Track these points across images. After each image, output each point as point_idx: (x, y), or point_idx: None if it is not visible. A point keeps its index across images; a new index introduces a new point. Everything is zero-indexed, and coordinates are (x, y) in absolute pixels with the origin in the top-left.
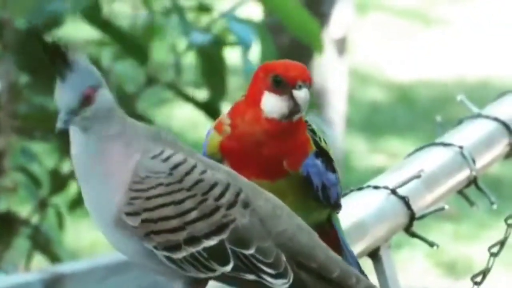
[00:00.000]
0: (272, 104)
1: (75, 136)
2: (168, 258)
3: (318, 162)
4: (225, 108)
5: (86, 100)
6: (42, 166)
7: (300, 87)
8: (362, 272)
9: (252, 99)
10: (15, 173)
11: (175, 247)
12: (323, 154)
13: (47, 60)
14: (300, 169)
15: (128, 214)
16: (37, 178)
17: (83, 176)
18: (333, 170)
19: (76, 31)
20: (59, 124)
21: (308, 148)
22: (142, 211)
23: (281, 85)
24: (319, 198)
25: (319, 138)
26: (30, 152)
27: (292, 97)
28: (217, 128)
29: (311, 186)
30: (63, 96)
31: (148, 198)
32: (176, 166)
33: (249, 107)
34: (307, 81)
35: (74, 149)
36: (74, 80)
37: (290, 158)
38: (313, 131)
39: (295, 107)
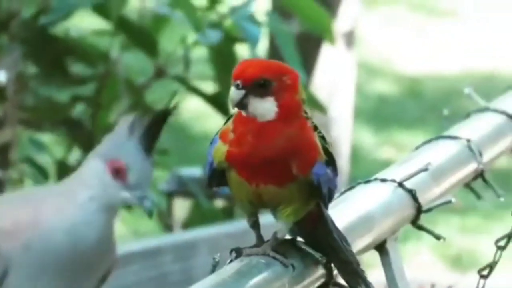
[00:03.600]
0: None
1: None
2: None
3: (329, 171)
4: None
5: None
6: (50, 157)
7: (233, 86)
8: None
9: None
10: (22, 164)
11: None
12: (331, 160)
13: (152, 128)
14: (310, 176)
15: None
16: (45, 169)
17: None
18: (337, 173)
19: (84, 21)
20: (151, 207)
21: (316, 154)
22: None
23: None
24: (324, 202)
25: (329, 144)
26: (38, 142)
27: None
28: (222, 137)
29: (319, 192)
30: (150, 171)
31: None
32: None
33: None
34: (239, 79)
35: None
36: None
37: (297, 162)
38: (323, 138)
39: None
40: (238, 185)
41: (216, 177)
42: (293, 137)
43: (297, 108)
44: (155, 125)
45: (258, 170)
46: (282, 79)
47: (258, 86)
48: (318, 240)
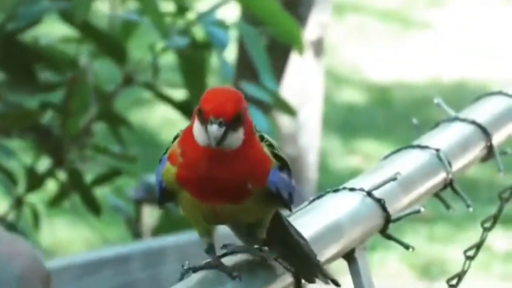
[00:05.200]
0: (196, 133)
1: None
2: None
3: (283, 175)
4: None
5: None
6: (18, 163)
7: (211, 123)
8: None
9: (191, 124)
10: None
11: None
12: (284, 165)
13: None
14: (267, 186)
15: None
16: (13, 175)
17: None
18: (291, 175)
19: (53, 29)
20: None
21: (268, 164)
22: None
23: (201, 116)
24: (284, 205)
25: (277, 149)
26: (7, 149)
27: (207, 131)
28: (170, 158)
29: (279, 198)
30: None
31: None
32: None
33: (191, 133)
34: (221, 116)
35: None
36: None
37: (252, 179)
38: (271, 146)
39: (209, 141)
40: (189, 204)
41: (167, 196)
42: (247, 156)
43: (252, 129)
44: None
45: (211, 192)
46: (245, 107)
47: (236, 120)
48: (276, 239)
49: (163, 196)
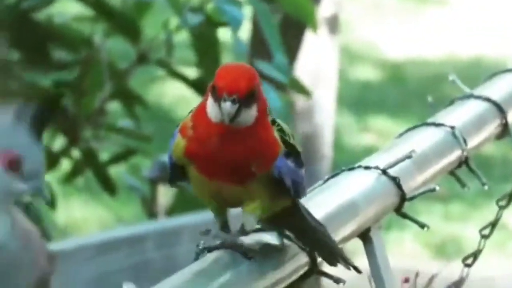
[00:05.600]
0: (209, 110)
1: None
2: None
3: (289, 162)
4: None
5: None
6: None
7: (225, 100)
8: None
9: (205, 100)
10: None
11: None
12: (293, 151)
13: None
14: (271, 170)
15: None
16: None
17: None
18: (301, 165)
19: (67, 7)
20: (48, 196)
21: (276, 149)
22: None
23: (215, 93)
24: (290, 195)
25: (288, 136)
26: None
27: (220, 107)
28: (181, 131)
29: (283, 185)
30: (42, 159)
31: None
32: None
33: (204, 109)
34: (235, 93)
35: None
36: None
37: (257, 161)
38: (281, 131)
39: (222, 118)
40: (198, 182)
41: (177, 172)
42: (259, 137)
43: (266, 107)
44: (44, 112)
45: (217, 169)
46: (259, 83)
47: (249, 97)
48: (296, 229)
49: (174, 171)
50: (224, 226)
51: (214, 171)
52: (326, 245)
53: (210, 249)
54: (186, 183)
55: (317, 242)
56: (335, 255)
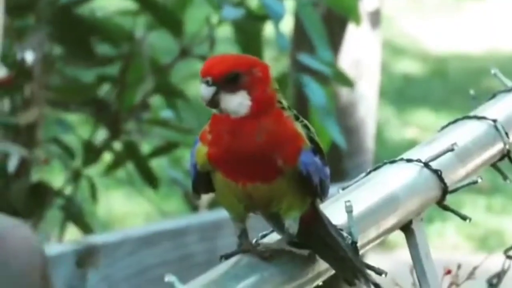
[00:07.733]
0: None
1: None
2: None
3: (317, 159)
4: None
5: None
6: (76, 137)
7: (201, 82)
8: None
9: None
10: (48, 144)
11: None
12: (319, 149)
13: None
14: (298, 166)
15: None
16: (71, 149)
17: None
18: (326, 163)
19: (109, 1)
20: None
21: (300, 142)
22: None
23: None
24: (316, 193)
25: (313, 133)
26: (64, 122)
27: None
28: (201, 137)
29: (310, 183)
30: None
31: None
32: None
33: None
34: (209, 76)
35: None
36: None
37: (281, 154)
38: (306, 127)
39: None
40: (225, 187)
41: (202, 180)
42: (270, 129)
43: (271, 100)
44: None
45: (241, 169)
46: (252, 71)
47: (229, 81)
48: (313, 238)
49: (198, 181)
50: (243, 233)
51: (239, 171)
52: (345, 259)
53: (227, 256)
54: (211, 193)
55: (337, 257)
56: (355, 271)
